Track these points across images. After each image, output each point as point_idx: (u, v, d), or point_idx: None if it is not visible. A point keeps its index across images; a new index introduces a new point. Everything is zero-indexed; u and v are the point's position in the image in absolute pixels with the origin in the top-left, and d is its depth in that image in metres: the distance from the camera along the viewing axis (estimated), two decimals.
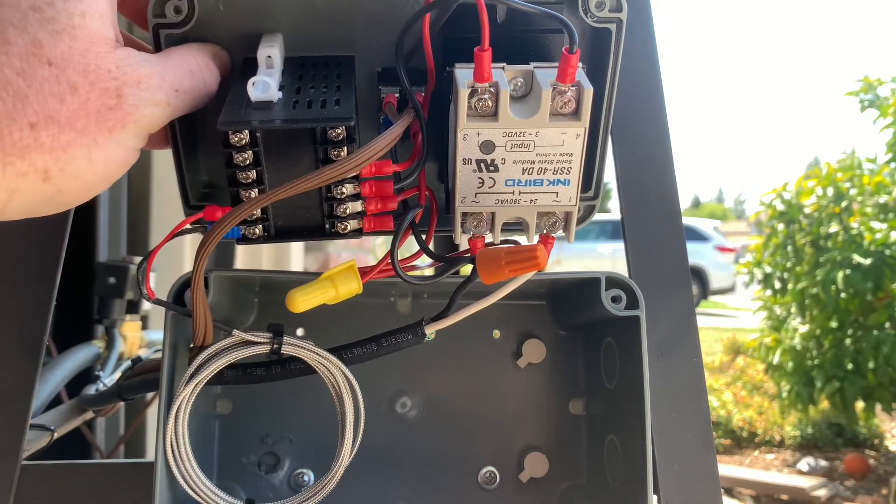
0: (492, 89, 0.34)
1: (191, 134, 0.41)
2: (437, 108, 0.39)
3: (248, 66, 0.37)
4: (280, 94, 0.36)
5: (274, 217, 0.37)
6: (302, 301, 0.36)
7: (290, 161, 0.36)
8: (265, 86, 0.36)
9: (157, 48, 0.38)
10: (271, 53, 0.37)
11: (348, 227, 0.38)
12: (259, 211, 0.37)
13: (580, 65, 0.35)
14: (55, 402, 0.77)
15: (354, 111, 0.36)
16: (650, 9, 0.50)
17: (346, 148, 0.35)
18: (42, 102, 0.29)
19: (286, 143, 0.35)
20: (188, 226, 0.39)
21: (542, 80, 0.35)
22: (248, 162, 0.35)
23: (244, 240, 0.37)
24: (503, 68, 0.35)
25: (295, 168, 0.36)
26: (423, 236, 0.40)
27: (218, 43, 0.39)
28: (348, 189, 0.36)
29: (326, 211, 0.37)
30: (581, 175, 0.37)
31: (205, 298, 0.37)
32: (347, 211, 0.37)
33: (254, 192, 0.36)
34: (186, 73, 0.35)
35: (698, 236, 8.45)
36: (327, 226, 0.38)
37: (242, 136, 0.34)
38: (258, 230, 0.37)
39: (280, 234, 0.38)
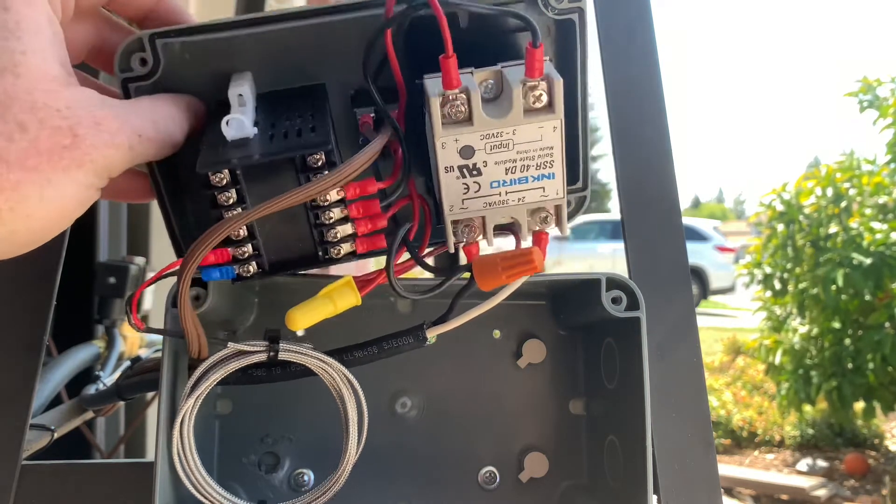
0: (463, 94, 0.34)
1: (174, 183, 0.40)
2: (413, 121, 0.39)
3: (222, 110, 0.37)
4: (255, 131, 0.36)
5: (266, 252, 0.37)
6: (301, 320, 0.37)
7: (275, 193, 0.35)
8: (239, 124, 0.35)
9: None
10: (242, 91, 0.37)
11: (342, 251, 0.37)
12: (250, 248, 0.36)
13: (546, 58, 0.35)
14: (55, 402, 0.77)
15: (332, 135, 0.36)
16: (650, 9, 0.50)
17: (327, 173, 0.35)
18: None
19: (268, 176, 0.35)
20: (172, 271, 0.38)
21: (512, 79, 0.35)
22: (232, 201, 0.35)
23: (239, 279, 0.37)
24: (471, 72, 0.35)
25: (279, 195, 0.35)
26: (417, 250, 0.39)
27: (187, 89, 0.39)
28: (336, 213, 0.36)
29: (317, 238, 0.37)
30: (565, 166, 0.37)
31: (194, 317, 0.37)
32: (338, 235, 0.37)
33: (242, 231, 0.36)
34: (150, 122, 0.34)
35: (698, 236, 8.45)
36: (321, 253, 0.37)
37: (223, 176, 0.34)
38: (252, 267, 0.37)
39: (274, 268, 0.38)
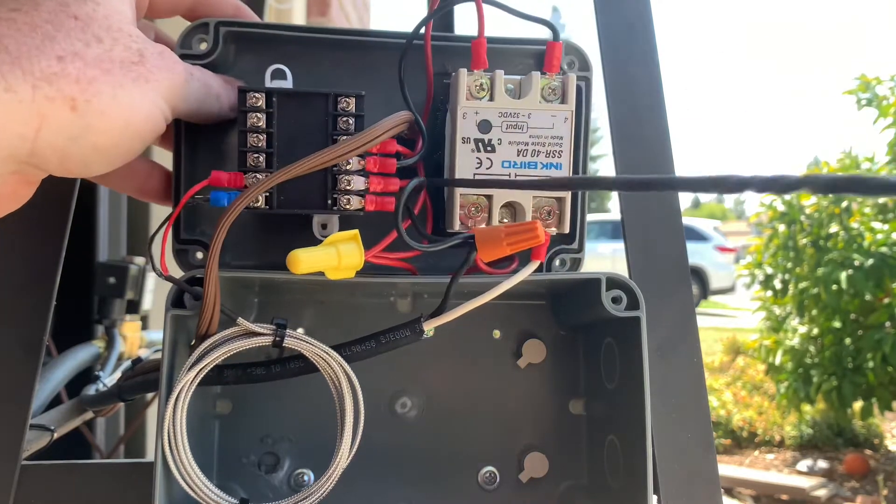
0: (488, 74, 0.39)
1: (194, 130, 0.43)
2: (431, 124, 0.43)
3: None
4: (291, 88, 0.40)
5: (277, 188, 0.38)
6: (303, 262, 0.36)
7: (300, 129, 0.39)
8: (279, 72, 0.40)
9: None
10: (281, 66, 0.41)
11: (351, 203, 0.39)
12: (264, 178, 0.38)
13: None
14: (55, 402, 0.77)
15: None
16: (650, 9, 0.50)
17: (353, 120, 0.38)
18: (69, 42, 0.32)
19: (298, 111, 0.38)
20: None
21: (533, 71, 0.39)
22: (260, 124, 0.38)
23: (246, 207, 0.38)
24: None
25: (303, 134, 0.39)
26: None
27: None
28: (354, 162, 0.38)
29: (330, 184, 0.38)
30: (572, 158, 0.40)
31: (217, 284, 0.37)
32: (351, 184, 0.38)
33: (261, 157, 0.38)
34: (195, 67, 0.38)
35: (698, 236, 8.45)
36: (330, 200, 0.39)
37: (259, 97, 0.38)
38: (261, 199, 0.38)
39: (281, 205, 0.39)
